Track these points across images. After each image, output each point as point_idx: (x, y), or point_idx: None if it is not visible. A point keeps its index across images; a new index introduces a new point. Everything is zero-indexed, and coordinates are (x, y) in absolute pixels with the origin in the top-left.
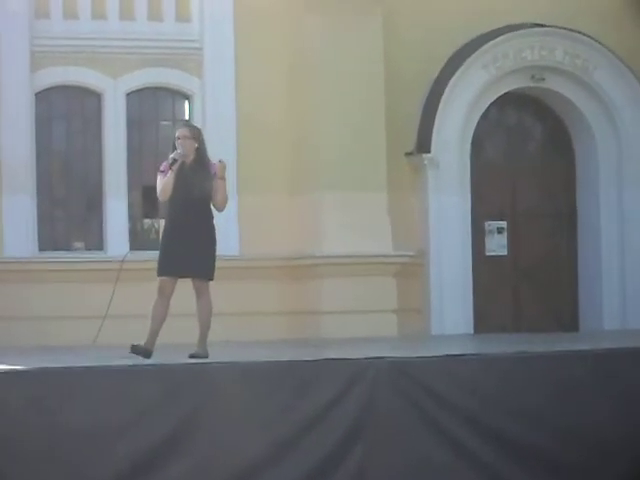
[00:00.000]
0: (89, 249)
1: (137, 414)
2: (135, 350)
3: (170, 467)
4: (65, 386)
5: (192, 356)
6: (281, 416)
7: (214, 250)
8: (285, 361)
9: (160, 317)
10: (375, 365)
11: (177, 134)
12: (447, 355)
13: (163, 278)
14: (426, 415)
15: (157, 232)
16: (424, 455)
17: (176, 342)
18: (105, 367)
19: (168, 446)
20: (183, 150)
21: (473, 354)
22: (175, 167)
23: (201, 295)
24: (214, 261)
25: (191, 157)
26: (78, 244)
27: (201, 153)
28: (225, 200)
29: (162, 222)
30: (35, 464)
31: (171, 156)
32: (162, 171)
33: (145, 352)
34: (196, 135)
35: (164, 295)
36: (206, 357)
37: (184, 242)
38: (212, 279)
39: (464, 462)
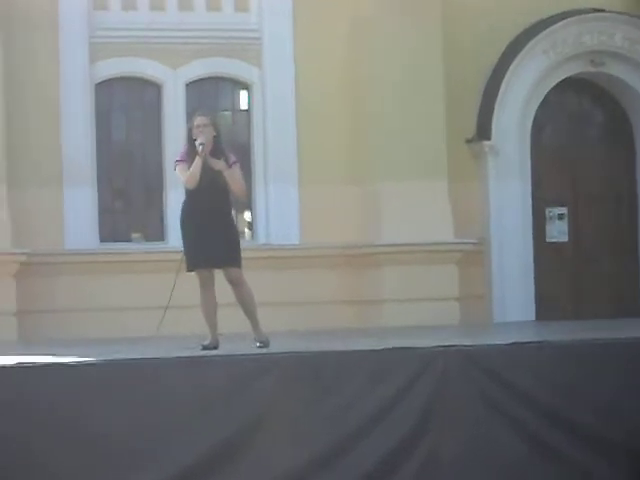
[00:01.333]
0: (150, 240)
1: (205, 404)
2: (205, 349)
3: (241, 455)
4: (128, 378)
5: (260, 345)
6: (352, 405)
7: (237, 237)
8: (356, 351)
9: (211, 309)
10: (445, 353)
11: (196, 122)
12: (515, 342)
13: (198, 271)
14: (495, 402)
15: None
16: (493, 442)
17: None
18: (170, 359)
19: (239, 435)
20: (205, 138)
21: (539, 341)
22: (203, 152)
23: (237, 285)
24: (239, 249)
25: (210, 147)
26: (139, 235)
27: (218, 142)
28: (241, 188)
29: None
30: (99, 451)
31: (198, 142)
32: (182, 160)
33: (213, 346)
34: (214, 123)
35: (206, 287)
36: (268, 342)
37: (206, 233)
38: (240, 267)
39: (533, 449)
